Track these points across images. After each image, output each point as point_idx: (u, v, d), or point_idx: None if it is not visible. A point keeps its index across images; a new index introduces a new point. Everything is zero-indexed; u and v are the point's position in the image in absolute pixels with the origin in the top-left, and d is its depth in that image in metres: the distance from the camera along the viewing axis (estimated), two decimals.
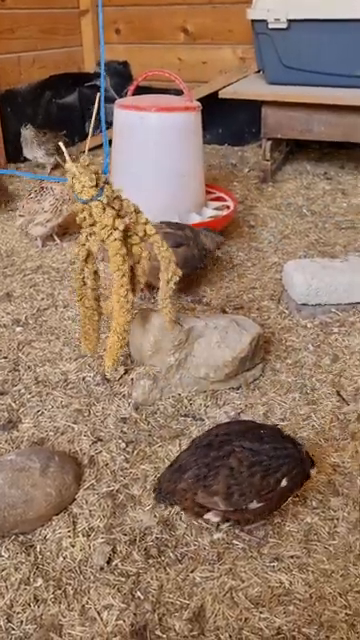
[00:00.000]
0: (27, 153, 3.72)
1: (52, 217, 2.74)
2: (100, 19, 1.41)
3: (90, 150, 4.84)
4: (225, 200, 3.01)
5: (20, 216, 2.78)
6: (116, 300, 1.61)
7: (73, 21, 4.51)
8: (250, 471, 1.27)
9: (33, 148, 3.67)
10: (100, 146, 4.41)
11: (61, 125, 4.46)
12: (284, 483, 1.29)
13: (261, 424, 1.45)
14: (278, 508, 1.36)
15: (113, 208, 1.54)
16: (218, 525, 1.39)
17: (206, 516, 1.31)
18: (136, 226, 1.62)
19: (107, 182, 1.53)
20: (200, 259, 2.31)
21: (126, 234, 1.60)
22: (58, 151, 3.61)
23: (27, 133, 3.65)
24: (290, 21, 3.19)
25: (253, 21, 3.34)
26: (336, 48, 3.21)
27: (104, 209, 1.52)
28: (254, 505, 1.29)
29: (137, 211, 1.61)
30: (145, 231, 1.63)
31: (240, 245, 2.85)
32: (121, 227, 1.53)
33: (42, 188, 2.75)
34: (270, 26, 3.25)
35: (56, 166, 3.73)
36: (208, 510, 1.30)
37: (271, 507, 1.32)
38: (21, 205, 2.81)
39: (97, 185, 1.48)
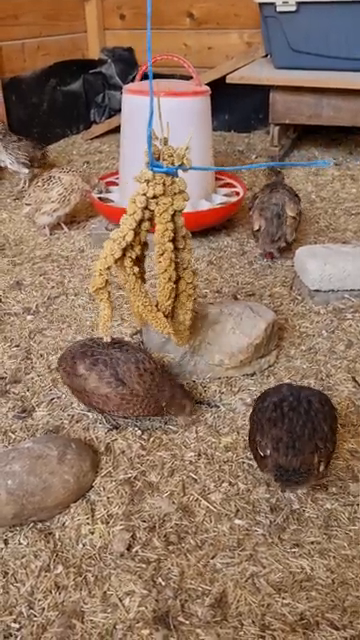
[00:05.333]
0: None
1: (59, 207, 2.70)
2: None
3: (97, 137, 4.77)
4: (234, 186, 2.98)
5: (27, 205, 2.76)
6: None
7: (77, 7, 4.46)
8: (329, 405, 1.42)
9: None
10: (106, 133, 4.38)
11: (66, 112, 4.43)
12: None
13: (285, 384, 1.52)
14: None
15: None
16: (237, 511, 1.38)
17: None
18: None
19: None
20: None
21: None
22: (32, 163, 3.27)
23: None
24: (299, 3, 3.15)
25: (260, 4, 3.30)
26: (345, 31, 3.17)
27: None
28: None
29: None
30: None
31: (250, 232, 2.82)
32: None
33: (50, 177, 2.72)
34: (278, 9, 3.21)
35: (33, 178, 3.21)
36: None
37: None
38: (28, 193, 2.79)
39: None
